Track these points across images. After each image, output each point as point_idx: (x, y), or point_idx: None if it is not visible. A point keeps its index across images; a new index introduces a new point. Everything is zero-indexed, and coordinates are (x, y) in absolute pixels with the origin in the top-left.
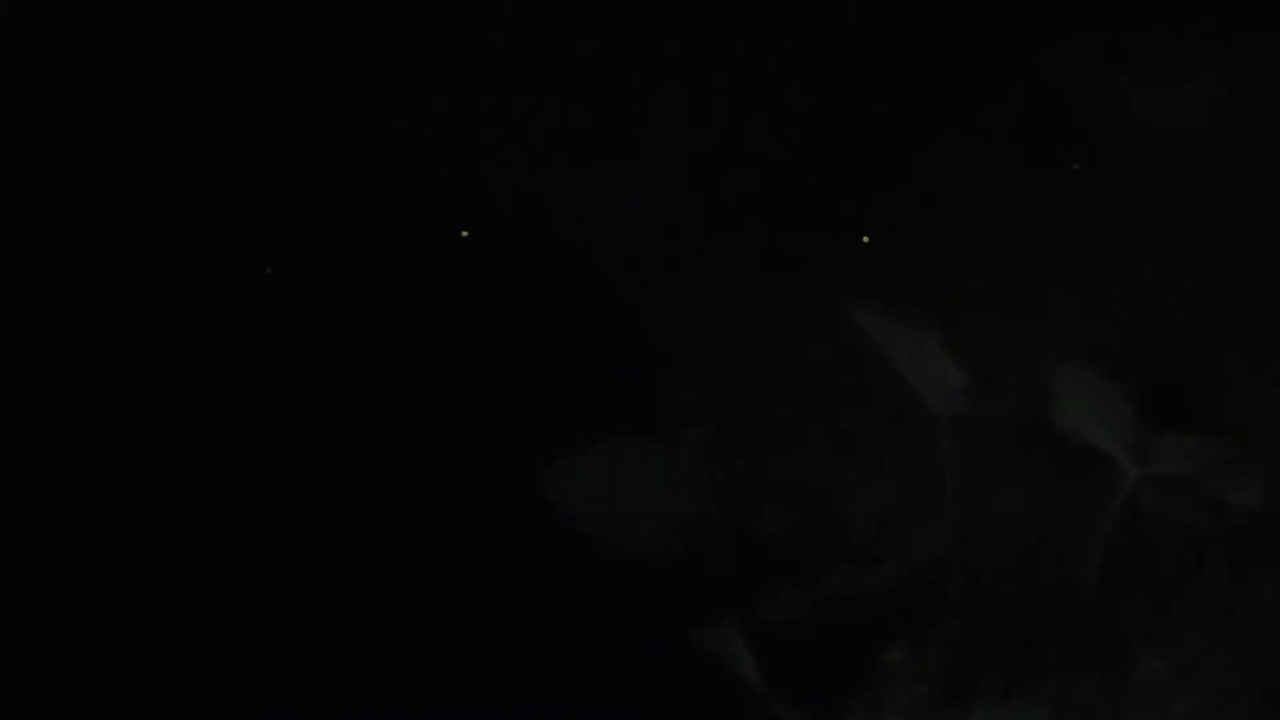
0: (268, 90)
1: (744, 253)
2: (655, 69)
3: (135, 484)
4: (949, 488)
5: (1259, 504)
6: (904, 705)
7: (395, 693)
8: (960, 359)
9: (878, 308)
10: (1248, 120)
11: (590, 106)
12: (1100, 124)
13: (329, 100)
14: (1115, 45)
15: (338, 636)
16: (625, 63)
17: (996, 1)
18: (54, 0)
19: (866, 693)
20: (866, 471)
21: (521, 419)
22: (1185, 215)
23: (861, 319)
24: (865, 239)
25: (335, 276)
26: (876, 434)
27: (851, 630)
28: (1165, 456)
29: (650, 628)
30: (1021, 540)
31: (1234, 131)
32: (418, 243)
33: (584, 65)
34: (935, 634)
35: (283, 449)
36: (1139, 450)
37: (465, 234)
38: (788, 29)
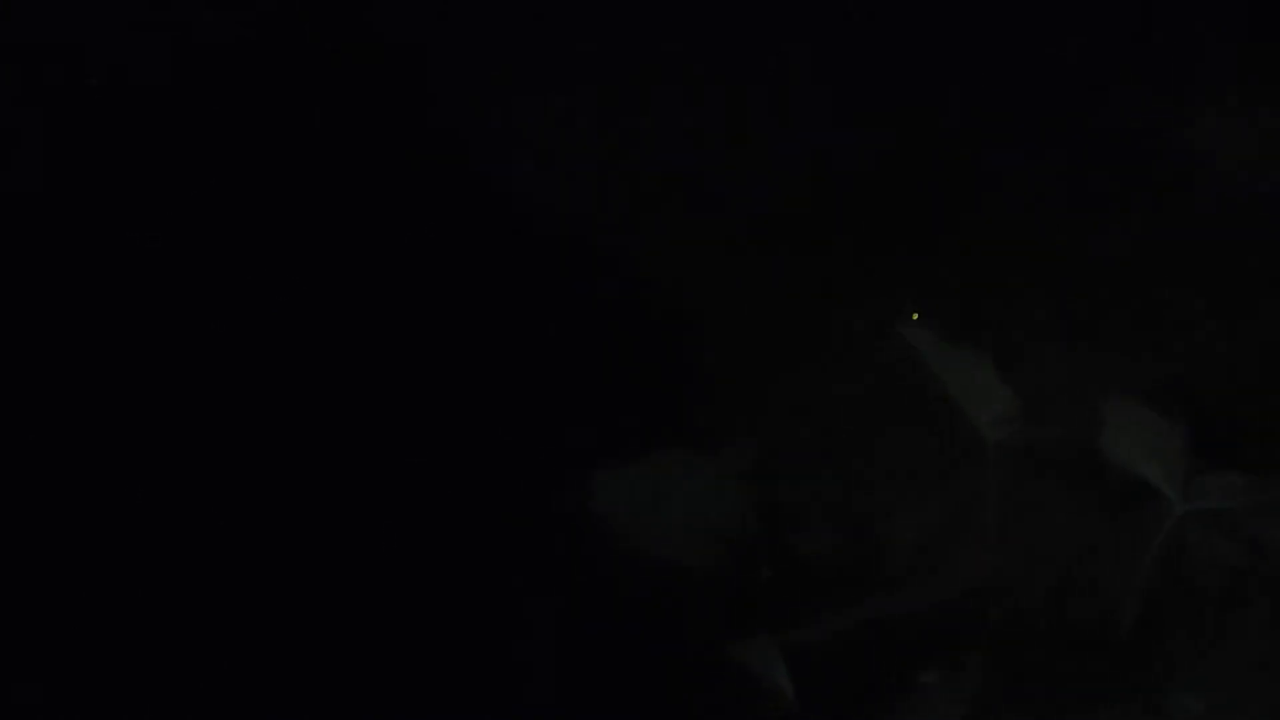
0: (303, 99)
1: (796, 271)
2: (709, 78)
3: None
4: (992, 514)
5: None
6: None
7: (432, 701)
8: (1011, 385)
9: (930, 329)
10: None
11: (639, 115)
12: (1159, 157)
13: (409, 107)
14: (1175, 78)
15: (372, 644)
16: (678, 69)
17: (1058, 36)
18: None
19: (900, 715)
20: (911, 494)
21: (566, 430)
22: (1242, 251)
23: (914, 340)
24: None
25: (382, 286)
26: (923, 457)
27: (888, 653)
28: (1212, 493)
29: (688, 643)
30: (1062, 570)
31: None
32: (463, 252)
33: (634, 71)
34: (972, 660)
35: (322, 458)
36: (1186, 485)
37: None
38: (852, 49)
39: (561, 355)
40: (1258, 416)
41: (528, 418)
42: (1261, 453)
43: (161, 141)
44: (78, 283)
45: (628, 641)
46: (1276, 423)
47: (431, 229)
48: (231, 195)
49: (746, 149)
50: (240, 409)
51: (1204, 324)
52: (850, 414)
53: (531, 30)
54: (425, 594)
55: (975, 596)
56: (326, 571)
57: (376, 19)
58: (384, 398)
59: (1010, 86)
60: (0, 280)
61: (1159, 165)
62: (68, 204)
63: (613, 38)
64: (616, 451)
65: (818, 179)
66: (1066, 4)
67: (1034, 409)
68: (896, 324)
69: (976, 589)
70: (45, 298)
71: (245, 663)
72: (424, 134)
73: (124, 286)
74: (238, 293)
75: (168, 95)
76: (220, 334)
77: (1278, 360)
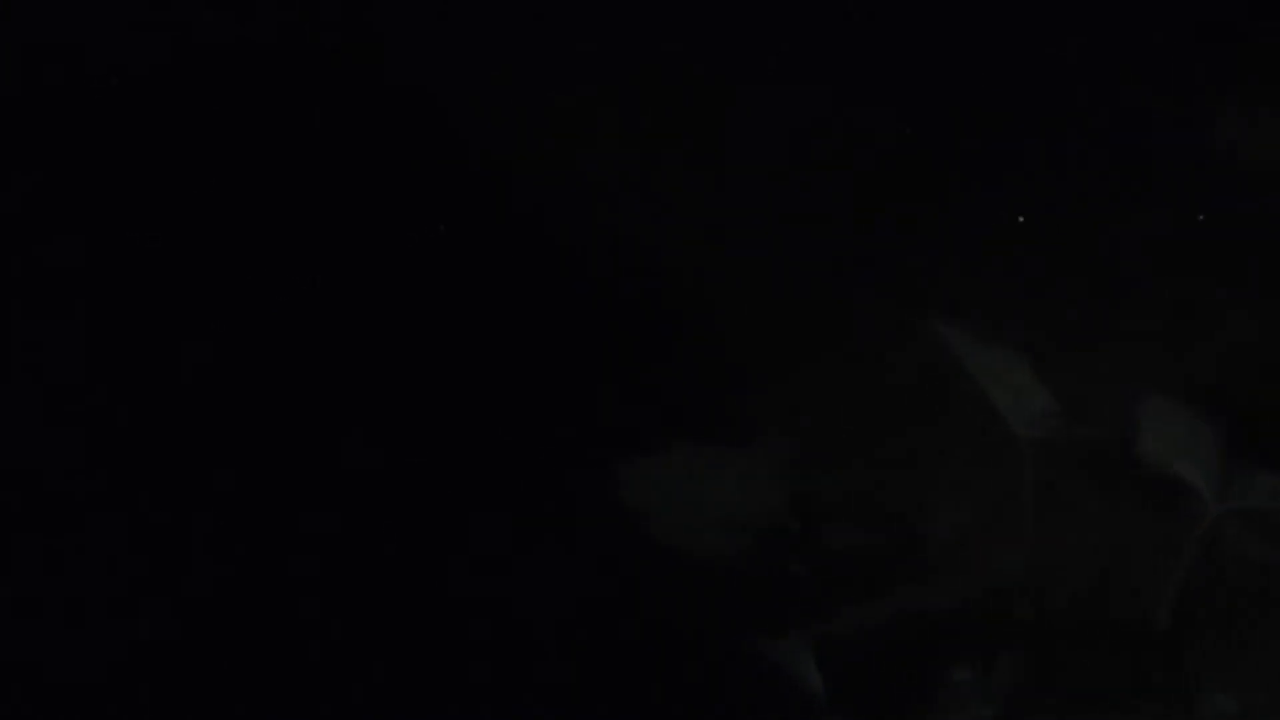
0: (316, 98)
1: (831, 264)
2: (737, 69)
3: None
4: (1027, 511)
5: None
6: None
7: (458, 697)
8: (1047, 382)
9: (966, 326)
10: None
11: (671, 108)
12: (1195, 155)
13: (400, 104)
14: (1211, 77)
15: (397, 641)
16: (707, 61)
17: (1087, 29)
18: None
19: (931, 712)
20: (945, 490)
21: (600, 423)
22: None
23: (949, 335)
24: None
25: (410, 279)
26: (957, 453)
27: (920, 649)
28: (1248, 493)
29: (719, 636)
30: (1096, 568)
31: None
32: (494, 247)
33: (662, 64)
34: (1004, 658)
35: (348, 456)
36: (1222, 485)
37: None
38: (882, 43)
39: (594, 348)
40: None
41: (559, 411)
42: None
43: (170, 142)
44: (82, 283)
45: (658, 636)
46: None
47: (462, 225)
48: (240, 197)
49: (780, 144)
50: (263, 411)
51: (1241, 322)
52: (885, 409)
53: (546, 27)
54: (451, 589)
55: (1008, 594)
56: (352, 568)
57: (377, 18)
58: (413, 393)
59: (1044, 82)
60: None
61: (1198, 160)
62: (70, 204)
63: (631, 33)
64: (648, 445)
65: (858, 173)
66: (1085, 9)
67: (1070, 407)
68: (931, 319)
69: (1010, 587)
70: (47, 298)
71: (272, 668)
72: (443, 130)
73: (133, 288)
74: (254, 295)
75: (174, 95)
76: (230, 336)
77: None
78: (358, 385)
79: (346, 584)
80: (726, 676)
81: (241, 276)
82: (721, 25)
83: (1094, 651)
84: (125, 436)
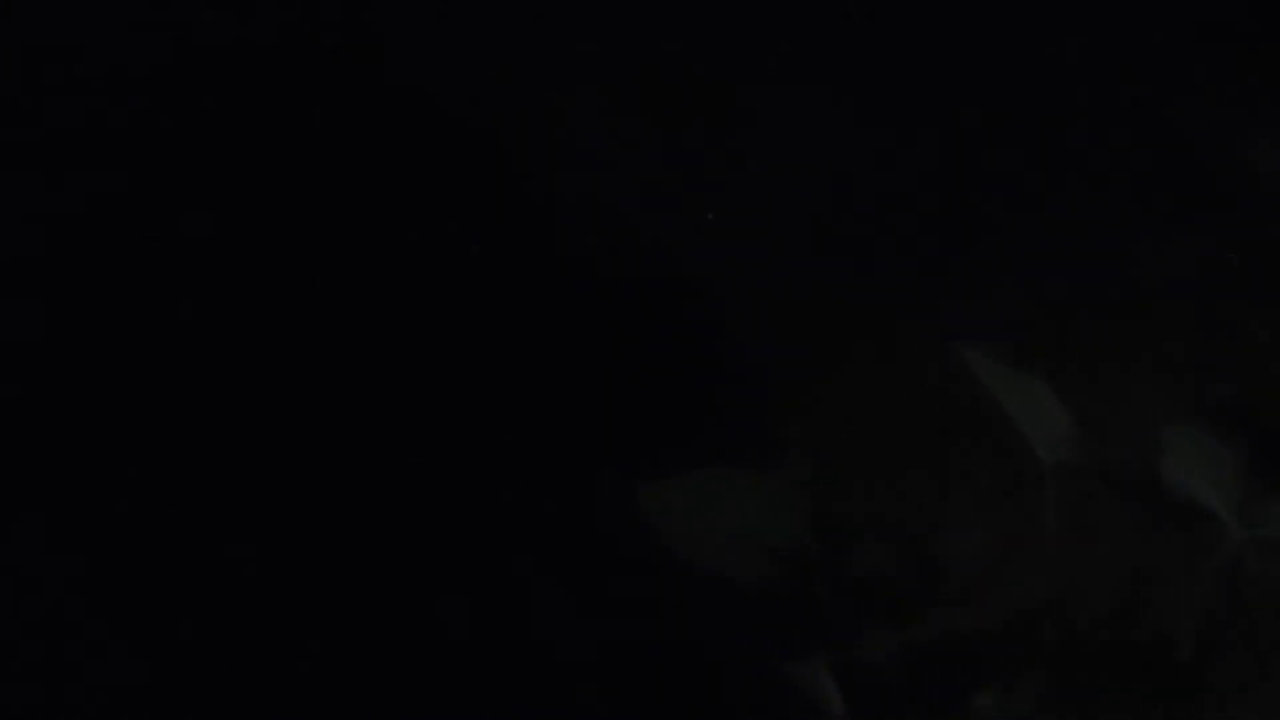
0: (348, 106)
1: (853, 284)
2: (770, 91)
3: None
4: (1049, 535)
5: None
6: None
7: (476, 711)
8: (1069, 405)
9: (988, 348)
10: None
11: (699, 125)
12: (1222, 178)
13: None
14: (1242, 98)
15: (413, 663)
16: (738, 81)
17: (1114, 53)
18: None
19: None
20: (967, 513)
21: (621, 441)
22: None
23: (972, 357)
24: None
25: (433, 292)
26: (979, 476)
27: (942, 673)
28: (1271, 518)
29: (740, 658)
30: (1119, 593)
31: None
32: (516, 263)
33: (694, 84)
34: (1026, 683)
35: (377, 463)
36: (1245, 510)
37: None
38: (911, 61)
39: (611, 364)
40: None
41: (575, 428)
42: None
43: (170, 143)
44: (91, 285)
45: (677, 658)
46: None
47: (487, 243)
48: (243, 198)
49: (798, 160)
50: (272, 421)
51: (1265, 346)
52: (907, 431)
53: (565, 29)
54: (465, 610)
55: (1030, 618)
56: (369, 590)
57: (378, 18)
58: (432, 412)
59: (1067, 104)
60: (3, 282)
61: (1219, 183)
62: (70, 206)
63: (656, 37)
64: (666, 463)
65: (882, 194)
66: (1121, 21)
67: (1092, 430)
68: (954, 341)
69: (1032, 610)
70: (49, 300)
71: (284, 682)
72: (455, 136)
73: (151, 290)
74: (267, 301)
75: (175, 96)
76: (241, 341)
77: None
78: (372, 403)
79: (363, 607)
80: (747, 699)
81: (248, 285)
82: (748, 46)
83: (1116, 676)
84: (149, 438)
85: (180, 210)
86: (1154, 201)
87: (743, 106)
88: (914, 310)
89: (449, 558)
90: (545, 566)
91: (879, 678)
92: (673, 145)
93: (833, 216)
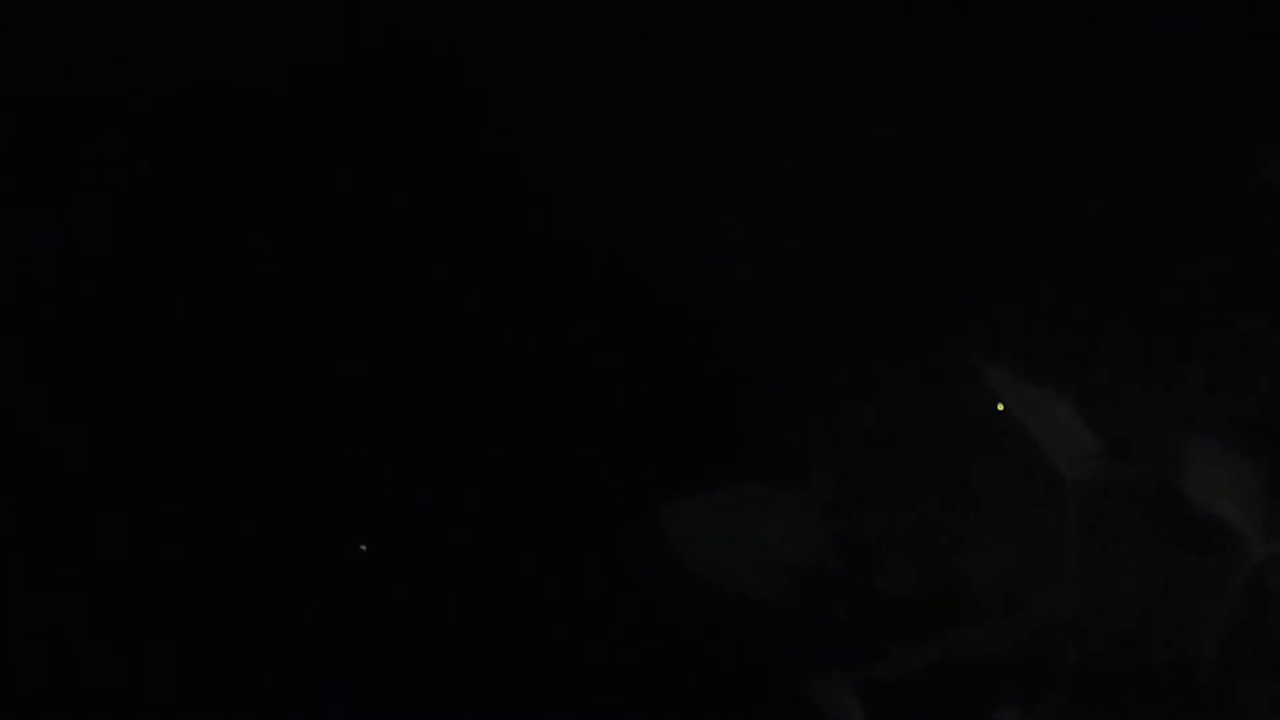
0: (397, 115)
1: (876, 305)
2: (795, 108)
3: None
4: (1071, 553)
5: None
6: None
7: None
8: (1091, 423)
9: (1009, 366)
10: None
11: (725, 144)
12: (1240, 193)
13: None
14: (1254, 114)
15: (446, 667)
16: (763, 98)
17: (1137, 73)
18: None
19: None
20: (989, 530)
21: (644, 461)
22: None
23: (994, 376)
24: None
25: (458, 309)
26: (1002, 494)
27: (965, 690)
28: None
29: (763, 677)
30: (1140, 608)
31: None
32: (540, 280)
33: (717, 99)
34: (1048, 700)
35: (400, 478)
36: (1267, 526)
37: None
38: (933, 82)
39: (640, 388)
40: None
41: (603, 449)
42: None
43: (175, 148)
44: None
45: (702, 675)
46: None
47: (508, 259)
48: (250, 198)
49: (830, 187)
50: (305, 428)
51: None
52: (929, 450)
53: (583, 41)
54: (496, 625)
55: (1053, 635)
56: (389, 604)
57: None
58: (448, 427)
59: (1088, 125)
60: (10, 284)
61: (1241, 201)
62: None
63: (677, 50)
64: (693, 484)
65: (902, 214)
66: (1144, 41)
67: (1114, 447)
68: (976, 360)
69: (1054, 627)
70: (52, 301)
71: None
72: (489, 160)
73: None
74: (290, 310)
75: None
76: (273, 352)
77: None
78: (400, 421)
79: (390, 616)
80: (770, 716)
81: (275, 293)
82: (770, 60)
83: (1138, 694)
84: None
85: (182, 209)
86: (1175, 219)
87: (764, 123)
88: (935, 329)
89: (472, 574)
90: (568, 584)
91: (901, 695)
92: (701, 176)
93: (854, 235)
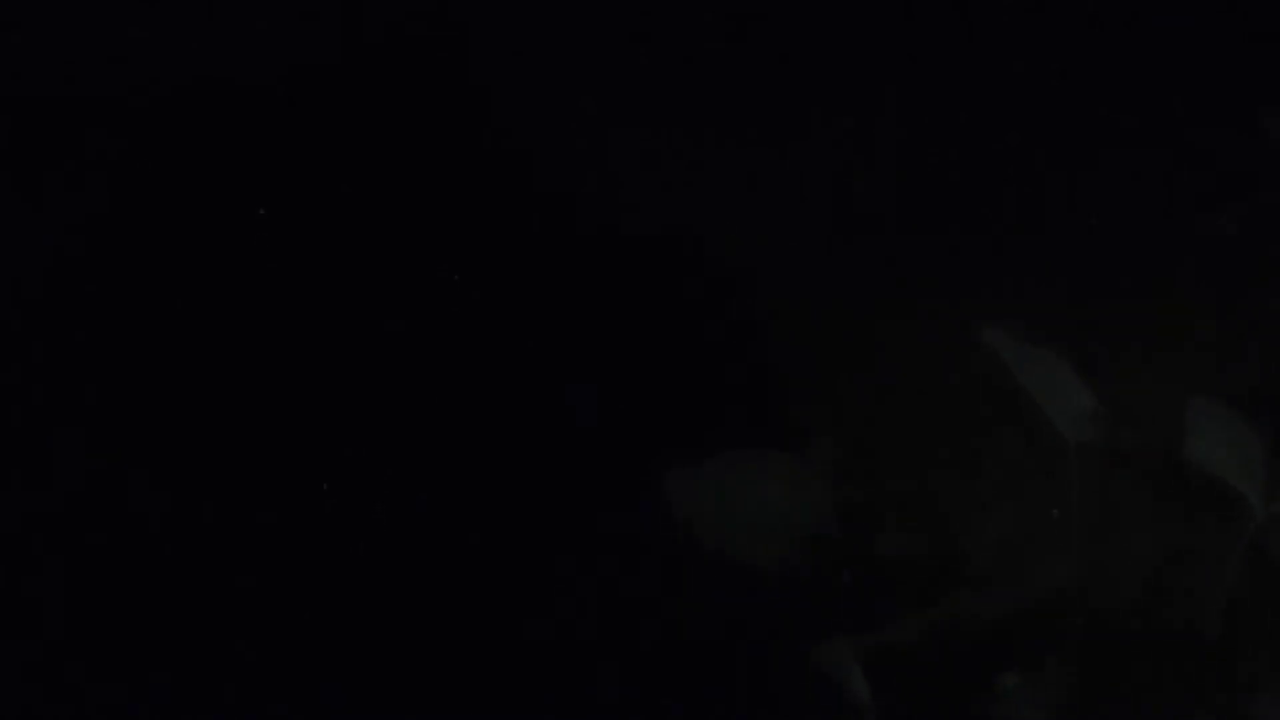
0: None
1: (878, 270)
2: (796, 81)
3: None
4: (1074, 517)
5: None
6: None
7: (502, 700)
8: (1094, 387)
9: (1011, 328)
10: None
11: (725, 117)
12: (1247, 161)
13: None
14: (1265, 81)
15: (445, 634)
16: (763, 71)
17: (1145, 39)
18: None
19: None
20: (993, 496)
21: (646, 428)
22: None
23: (994, 339)
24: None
25: (465, 282)
26: (1003, 458)
27: (968, 656)
28: None
29: (765, 641)
30: (1144, 574)
31: None
32: (546, 254)
33: (717, 99)
34: (1053, 665)
35: (404, 449)
36: (1269, 489)
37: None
38: (932, 58)
39: (641, 355)
40: None
41: (607, 417)
42: None
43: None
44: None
45: (704, 643)
46: None
47: (511, 233)
48: (256, 199)
49: (825, 148)
50: (302, 423)
51: None
52: (932, 415)
53: (587, 35)
54: (497, 596)
55: (1056, 600)
56: (394, 581)
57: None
58: (456, 399)
59: (1097, 89)
60: (13, 285)
61: (1246, 169)
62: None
63: (679, 40)
64: (695, 450)
65: (902, 178)
66: (1156, 9)
67: (1117, 412)
68: (979, 325)
69: (1058, 592)
70: (54, 303)
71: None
72: (489, 159)
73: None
74: (293, 307)
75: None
76: (275, 350)
77: None
78: (400, 401)
79: (390, 599)
80: (774, 684)
81: (280, 294)
82: (770, 47)
83: (1143, 658)
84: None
85: (184, 208)
86: (1176, 182)
87: (765, 100)
88: (936, 294)
89: (473, 544)
90: (570, 552)
91: (904, 661)
92: (700, 142)
93: (855, 204)
